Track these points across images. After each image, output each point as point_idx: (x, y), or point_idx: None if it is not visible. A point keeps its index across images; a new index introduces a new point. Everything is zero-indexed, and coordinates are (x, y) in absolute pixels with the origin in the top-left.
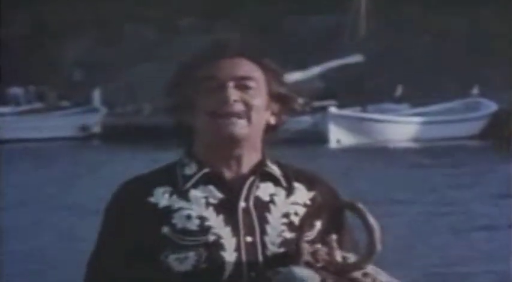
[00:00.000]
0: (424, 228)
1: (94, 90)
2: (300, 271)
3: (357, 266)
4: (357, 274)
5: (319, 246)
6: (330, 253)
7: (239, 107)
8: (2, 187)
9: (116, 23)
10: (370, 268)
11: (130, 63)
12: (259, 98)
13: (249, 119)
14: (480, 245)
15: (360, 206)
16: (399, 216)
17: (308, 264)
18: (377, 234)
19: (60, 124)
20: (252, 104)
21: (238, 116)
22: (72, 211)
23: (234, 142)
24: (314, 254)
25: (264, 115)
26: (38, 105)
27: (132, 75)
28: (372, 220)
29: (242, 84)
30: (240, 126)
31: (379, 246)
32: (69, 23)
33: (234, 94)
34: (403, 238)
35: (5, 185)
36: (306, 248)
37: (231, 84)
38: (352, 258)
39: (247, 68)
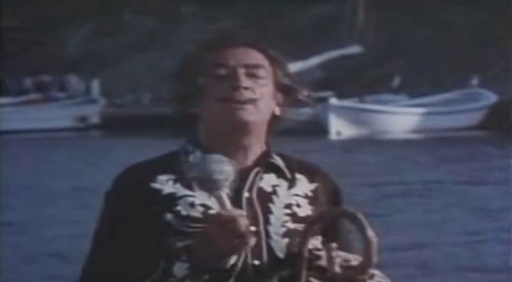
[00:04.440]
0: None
1: (93, 81)
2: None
3: (352, 277)
4: None
5: (318, 237)
6: (329, 262)
7: (249, 95)
8: (2, 178)
9: (116, 12)
10: (380, 275)
11: (130, 52)
12: (266, 87)
13: (257, 107)
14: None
15: (360, 216)
16: (399, 208)
17: (322, 269)
18: (374, 247)
19: (59, 115)
20: (261, 92)
21: (248, 103)
22: (72, 201)
23: (244, 128)
24: (330, 259)
25: (271, 105)
26: (36, 96)
27: (132, 65)
28: (370, 232)
29: (252, 73)
30: (250, 112)
31: (375, 259)
32: (68, 13)
33: (245, 81)
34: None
35: (5, 176)
36: (322, 254)
37: (242, 71)
38: (353, 260)
39: (256, 56)
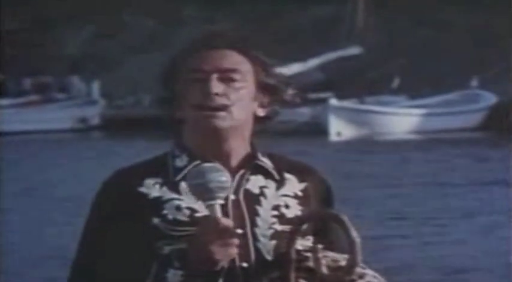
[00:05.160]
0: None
1: (93, 82)
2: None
3: (338, 278)
4: None
5: (309, 237)
6: (316, 263)
7: (221, 101)
8: (2, 180)
9: (116, 14)
10: (370, 275)
11: (131, 54)
12: (244, 90)
13: (231, 112)
14: (479, 236)
15: (344, 218)
16: (399, 209)
17: (311, 271)
18: (358, 247)
19: (59, 116)
20: (236, 97)
21: (221, 109)
22: (73, 203)
23: (218, 135)
24: (316, 260)
25: (250, 107)
26: (36, 97)
27: (132, 67)
28: (354, 233)
29: (227, 77)
30: (223, 119)
31: (359, 260)
32: (68, 14)
33: (216, 87)
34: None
35: (5, 177)
36: (309, 255)
37: (214, 76)
38: (341, 260)
39: (233, 59)
